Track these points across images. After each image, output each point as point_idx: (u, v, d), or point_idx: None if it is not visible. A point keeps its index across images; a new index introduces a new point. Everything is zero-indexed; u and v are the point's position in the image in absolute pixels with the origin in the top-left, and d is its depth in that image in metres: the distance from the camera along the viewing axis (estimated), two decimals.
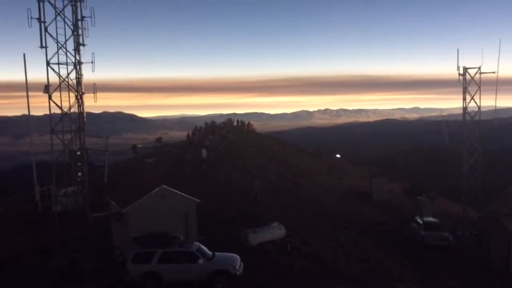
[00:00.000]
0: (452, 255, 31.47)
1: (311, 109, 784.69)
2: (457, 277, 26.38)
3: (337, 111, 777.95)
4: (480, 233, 33.49)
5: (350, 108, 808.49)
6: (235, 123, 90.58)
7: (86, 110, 25.04)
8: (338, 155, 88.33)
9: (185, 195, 25.53)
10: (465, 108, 38.72)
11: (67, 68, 24.21)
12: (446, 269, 28.13)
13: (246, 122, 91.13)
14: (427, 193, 46.74)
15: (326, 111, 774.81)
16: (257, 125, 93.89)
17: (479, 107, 38.58)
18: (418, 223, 35.48)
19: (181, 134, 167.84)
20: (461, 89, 38.37)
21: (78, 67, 24.32)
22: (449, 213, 44.25)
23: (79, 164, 24.75)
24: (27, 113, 27.14)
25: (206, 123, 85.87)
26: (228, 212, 32.70)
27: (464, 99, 38.51)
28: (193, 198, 25.55)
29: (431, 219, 36.15)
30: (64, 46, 23.99)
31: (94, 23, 24.18)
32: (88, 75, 25.42)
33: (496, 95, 38.73)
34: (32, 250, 26.08)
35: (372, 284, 21.55)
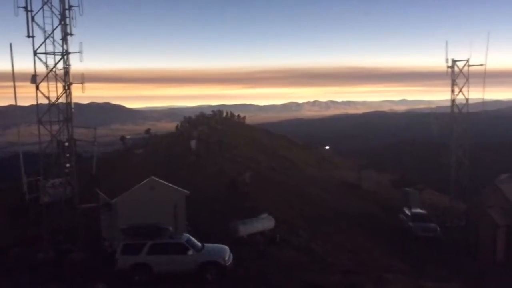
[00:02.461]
0: (439, 246, 31.82)
1: (300, 101, 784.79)
2: (445, 268, 26.69)
3: (326, 103, 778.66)
4: (467, 224, 33.89)
5: (339, 100, 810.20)
6: (224, 114, 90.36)
7: (73, 100, 24.80)
8: (327, 147, 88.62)
9: (174, 186, 25.43)
10: (453, 101, 39.01)
11: (54, 58, 23.94)
12: (433, 259, 28.45)
13: (236, 114, 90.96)
14: (415, 184, 47.16)
15: (315, 103, 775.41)
16: (246, 117, 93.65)
17: (467, 100, 38.90)
18: (406, 214, 35.80)
19: (169, 126, 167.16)
20: (449, 82, 38.66)
21: (65, 57, 24.03)
22: (437, 205, 44.68)
23: (67, 155, 24.53)
24: (14, 103, 26.73)
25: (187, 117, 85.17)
26: (217, 203, 32.65)
27: (453, 91, 38.80)
28: (183, 190, 25.45)
29: (419, 210, 36.49)
30: (52, 35, 23.69)
31: (82, 12, 23.87)
32: (76, 65, 25.13)
33: (484, 87, 39.03)
34: (19, 241, 25.85)
35: (362, 275, 21.69)
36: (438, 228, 33.59)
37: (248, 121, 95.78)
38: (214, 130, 66.42)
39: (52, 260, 22.99)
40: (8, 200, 35.36)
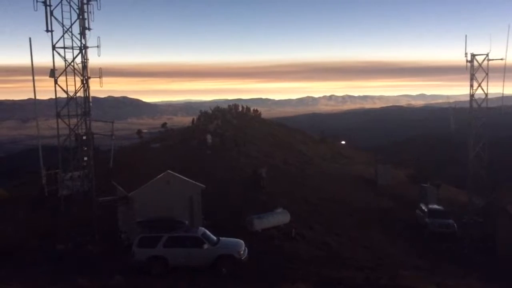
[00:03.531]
0: (456, 242, 31.48)
1: (316, 95, 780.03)
2: (462, 264, 26.44)
3: (342, 97, 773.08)
4: (485, 221, 33.47)
5: (356, 94, 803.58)
6: (239, 109, 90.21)
7: (91, 94, 25.11)
8: (343, 142, 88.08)
9: (190, 180, 25.58)
10: (472, 95, 38.45)
11: (72, 52, 24.25)
12: (451, 256, 28.19)
13: (252, 109, 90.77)
14: (433, 180, 46.62)
15: (331, 97, 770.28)
16: (262, 111, 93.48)
17: (486, 94, 38.31)
18: (423, 210, 35.48)
19: (185, 120, 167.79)
20: (468, 76, 38.07)
21: (83, 51, 24.29)
22: (455, 201, 44.18)
23: (85, 148, 24.83)
24: (33, 97, 27.15)
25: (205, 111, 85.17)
26: (233, 197, 32.77)
27: (471, 86, 38.22)
28: (198, 183, 25.60)
29: (436, 206, 36.11)
30: (70, 30, 24.00)
31: (100, 7, 24.12)
32: (94, 59, 25.46)
33: (503, 82, 38.47)
34: (38, 233, 26.28)
35: (377, 271, 21.60)
36: (456, 224, 33.23)
37: (264, 115, 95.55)
38: (230, 125, 66.41)
39: (70, 252, 23.35)
40: (28, 193, 35.93)
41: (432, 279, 21.82)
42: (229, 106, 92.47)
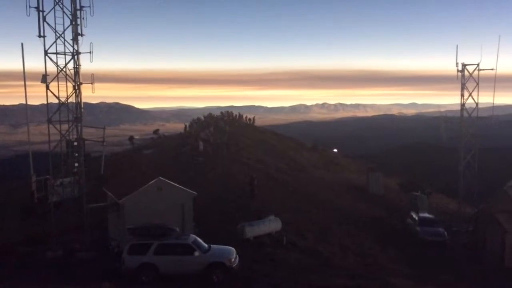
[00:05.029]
0: (447, 250, 31.60)
1: (308, 103, 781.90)
2: (452, 273, 26.53)
3: (335, 105, 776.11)
4: (476, 229, 33.65)
5: (348, 102, 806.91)
6: (232, 116, 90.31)
7: (83, 100, 24.98)
8: (335, 150, 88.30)
9: (181, 187, 25.52)
10: (463, 105, 38.79)
11: (65, 58, 24.13)
12: (441, 264, 28.28)
13: (245, 116, 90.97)
14: (423, 188, 46.86)
15: (324, 105, 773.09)
16: (255, 117, 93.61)
17: (477, 104, 38.65)
18: (413, 218, 35.60)
19: (178, 126, 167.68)
20: (459, 86, 38.44)
21: (76, 57, 24.21)
22: (445, 209, 44.40)
23: (76, 154, 24.69)
24: (24, 102, 26.99)
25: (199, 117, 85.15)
26: (225, 204, 32.70)
27: (462, 95, 38.58)
28: (190, 191, 25.53)
29: (426, 214, 36.29)
30: (62, 35, 23.89)
31: (93, 13, 24.04)
32: (86, 65, 25.34)
33: (494, 92, 38.83)
34: (28, 240, 26.07)
35: (368, 279, 21.62)
36: (446, 233, 33.37)
37: (256, 123, 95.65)
38: (222, 132, 66.42)
39: (60, 258, 23.17)
40: (18, 199, 35.66)
41: (422, 287, 21.89)
42: (221, 113, 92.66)
